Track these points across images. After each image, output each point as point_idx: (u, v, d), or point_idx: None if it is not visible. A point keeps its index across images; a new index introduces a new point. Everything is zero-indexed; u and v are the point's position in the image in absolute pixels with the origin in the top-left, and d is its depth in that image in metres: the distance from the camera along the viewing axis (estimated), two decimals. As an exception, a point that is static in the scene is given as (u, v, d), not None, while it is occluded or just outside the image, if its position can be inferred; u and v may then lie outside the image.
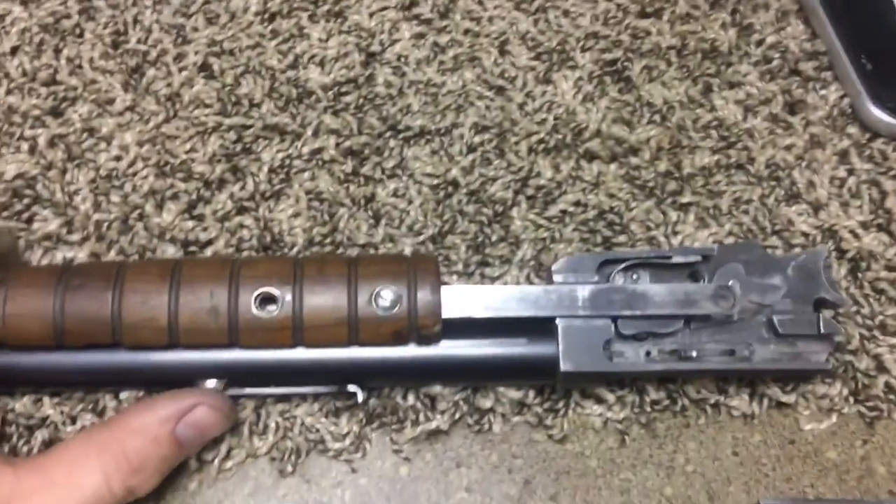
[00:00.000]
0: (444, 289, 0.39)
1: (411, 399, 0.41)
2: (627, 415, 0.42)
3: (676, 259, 0.41)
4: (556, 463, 0.41)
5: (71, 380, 0.39)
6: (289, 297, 0.38)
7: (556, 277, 0.41)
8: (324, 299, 0.38)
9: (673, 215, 0.45)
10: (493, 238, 0.44)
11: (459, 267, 0.43)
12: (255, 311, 0.38)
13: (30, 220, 0.43)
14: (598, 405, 0.42)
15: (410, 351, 0.39)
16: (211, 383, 0.38)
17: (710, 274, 0.41)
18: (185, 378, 0.38)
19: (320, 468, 0.40)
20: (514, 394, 0.41)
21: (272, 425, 0.40)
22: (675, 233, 0.45)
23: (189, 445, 0.37)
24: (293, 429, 0.40)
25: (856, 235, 0.45)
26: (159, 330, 0.37)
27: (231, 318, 0.38)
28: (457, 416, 0.41)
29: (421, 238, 0.44)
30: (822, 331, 0.41)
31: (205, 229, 0.43)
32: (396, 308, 0.38)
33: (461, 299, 0.39)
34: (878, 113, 0.48)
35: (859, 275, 0.44)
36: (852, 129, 0.48)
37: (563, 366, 0.39)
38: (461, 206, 0.45)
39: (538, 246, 0.44)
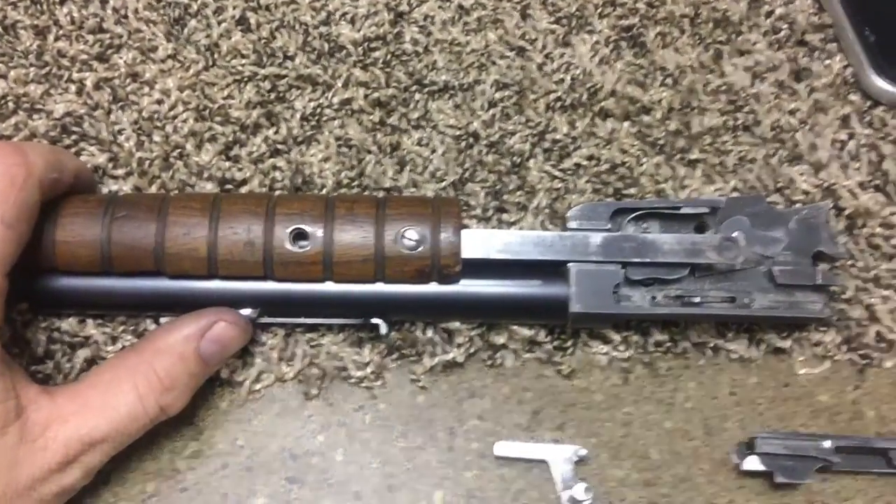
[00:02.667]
0: (464, 231, 0.40)
1: (430, 333, 0.42)
2: (631, 354, 0.43)
3: (685, 210, 0.42)
4: (564, 397, 0.42)
5: (115, 304, 0.40)
6: (320, 234, 0.39)
7: (571, 224, 0.42)
8: (352, 237, 0.39)
9: (681, 170, 0.46)
10: (511, 186, 0.45)
11: (478, 212, 0.44)
12: (288, 245, 0.39)
13: (77, 155, 0.44)
14: (604, 345, 0.43)
15: (432, 288, 0.40)
16: (246, 312, 0.40)
17: (717, 225, 0.42)
18: (221, 305, 0.39)
19: (343, 393, 0.42)
20: (526, 332, 0.42)
21: (299, 353, 0.42)
22: (683, 187, 0.46)
23: (212, 361, 0.39)
24: (319, 356, 0.42)
25: (854, 195, 0.46)
26: (199, 260, 0.38)
27: (266, 251, 0.39)
28: (472, 350, 0.42)
29: (443, 184, 0.45)
30: (820, 282, 0.42)
31: (240, 169, 0.44)
32: (420, 248, 0.39)
33: (481, 242, 0.40)
34: (879, 82, 0.48)
35: (856, 231, 0.45)
36: (854, 97, 0.49)
37: (574, 307, 0.40)
38: (481, 157, 0.46)
39: (552, 195, 0.45)
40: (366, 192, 0.44)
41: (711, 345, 0.43)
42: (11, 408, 0.34)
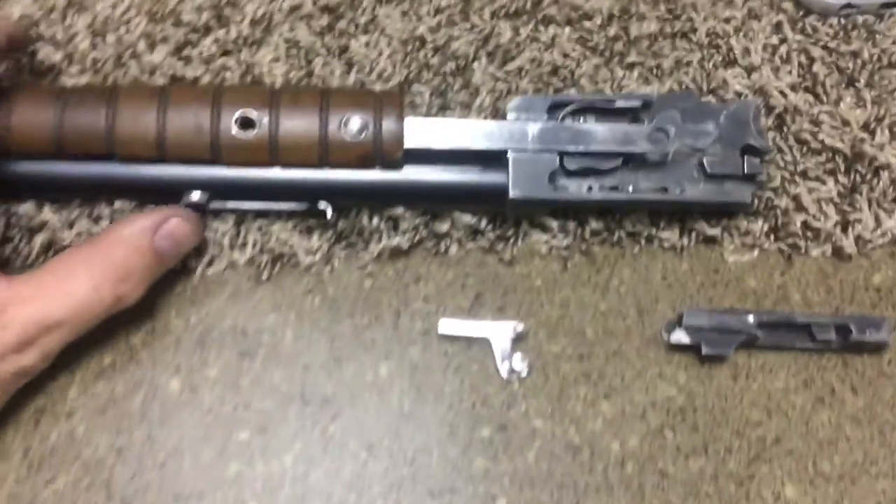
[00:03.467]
0: (407, 120, 0.42)
1: (376, 221, 0.44)
2: (569, 243, 0.45)
3: (619, 103, 0.44)
4: (505, 281, 0.44)
5: (70, 188, 0.41)
6: (266, 120, 0.40)
7: (510, 115, 0.43)
8: (298, 123, 0.41)
9: (619, 73, 0.48)
10: (455, 87, 0.47)
11: (423, 111, 0.46)
12: (235, 131, 0.40)
13: (33, 54, 0.45)
14: (543, 234, 0.45)
15: (375, 175, 0.42)
16: (196, 195, 0.41)
17: (650, 120, 0.44)
18: (172, 189, 0.41)
19: (293, 278, 0.43)
20: (469, 219, 0.44)
21: (251, 240, 0.43)
22: (621, 87, 0.47)
23: (167, 256, 0.40)
24: (269, 243, 0.43)
25: (784, 94, 0.47)
26: (149, 144, 0.40)
27: (213, 136, 0.40)
28: (416, 238, 0.44)
29: (389, 84, 0.46)
30: (747, 171, 0.43)
31: (191, 68, 0.45)
32: (363, 134, 0.41)
33: (422, 130, 0.42)
34: (811, -9, 0.50)
35: (784, 128, 0.47)
36: (787, 5, 0.50)
37: (512, 192, 0.42)
38: (427, 60, 0.47)
39: (495, 95, 0.47)
40: (313, 89, 0.46)
41: (645, 234, 0.45)
42: None
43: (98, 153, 0.40)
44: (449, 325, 0.42)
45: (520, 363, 0.42)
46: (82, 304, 0.37)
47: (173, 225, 0.40)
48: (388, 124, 0.41)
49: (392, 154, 0.41)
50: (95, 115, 0.40)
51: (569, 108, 0.44)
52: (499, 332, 0.42)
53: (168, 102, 0.40)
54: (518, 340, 0.42)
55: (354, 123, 0.41)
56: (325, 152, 0.41)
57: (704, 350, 0.41)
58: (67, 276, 0.37)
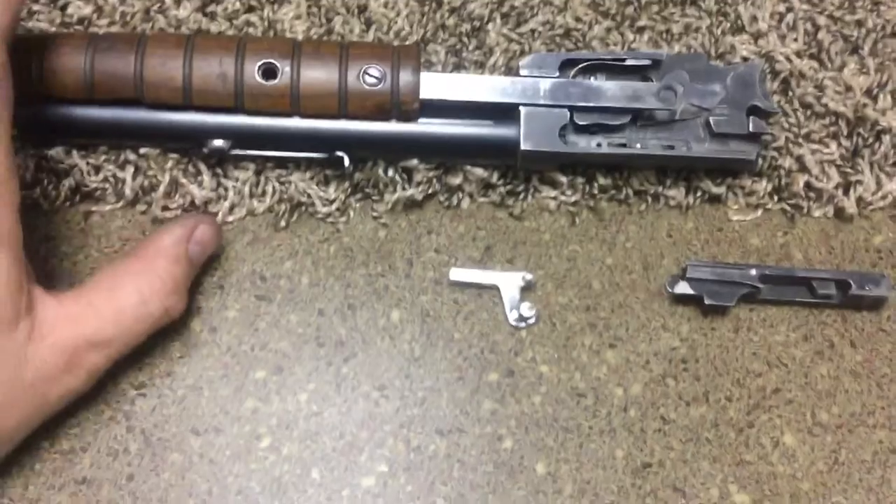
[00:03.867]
0: (423, 74, 0.43)
1: (391, 172, 0.45)
2: (578, 199, 0.46)
3: (630, 62, 0.45)
4: (514, 235, 0.45)
5: (98, 132, 0.43)
6: (287, 69, 0.42)
7: (523, 72, 0.45)
8: (318, 73, 0.42)
9: (630, 36, 0.49)
10: (470, 47, 0.48)
11: (438, 69, 0.47)
12: (258, 78, 0.42)
13: (64, 7, 0.46)
14: (553, 189, 0.46)
15: (392, 126, 0.43)
16: (218, 142, 0.42)
17: (659, 79, 0.45)
18: (196, 135, 0.42)
19: (310, 227, 0.45)
20: (481, 173, 0.45)
21: (270, 189, 0.44)
22: (631, 50, 0.48)
23: (197, 262, 0.41)
24: (288, 192, 0.44)
25: (789, 60, 0.49)
26: (175, 89, 0.41)
27: (237, 83, 0.42)
28: (430, 190, 0.45)
29: (406, 43, 0.48)
30: (752, 130, 0.45)
31: (216, 24, 0.47)
32: (381, 84, 0.42)
33: (438, 83, 0.43)
34: (819, -37, 0.51)
35: (790, 91, 0.48)
36: (795, -25, 0.52)
37: (524, 145, 0.43)
38: (443, 20, 0.48)
39: (509, 55, 0.48)
40: (333, 45, 0.47)
41: (652, 192, 0.46)
42: (24, 303, 0.34)
43: (126, 98, 0.41)
44: (459, 273, 0.44)
45: (528, 311, 0.43)
46: (132, 320, 0.37)
47: (202, 231, 0.41)
48: (405, 76, 0.42)
49: (408, 105, 0.43)
50: (125, 61, 0.41)
51: (580, 66, 0.45)
52: (508, 281, 0.43)
53: (194, 50, 0.41)
54: (526, 289, 0.44)
55: (373, 74, 0.42)
56: (343, 102, 0.42)
57: (707, 301, 0.43)
58: (115, 292, 0.37)
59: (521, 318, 0.43)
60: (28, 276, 0.35)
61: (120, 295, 0.37)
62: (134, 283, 0.37)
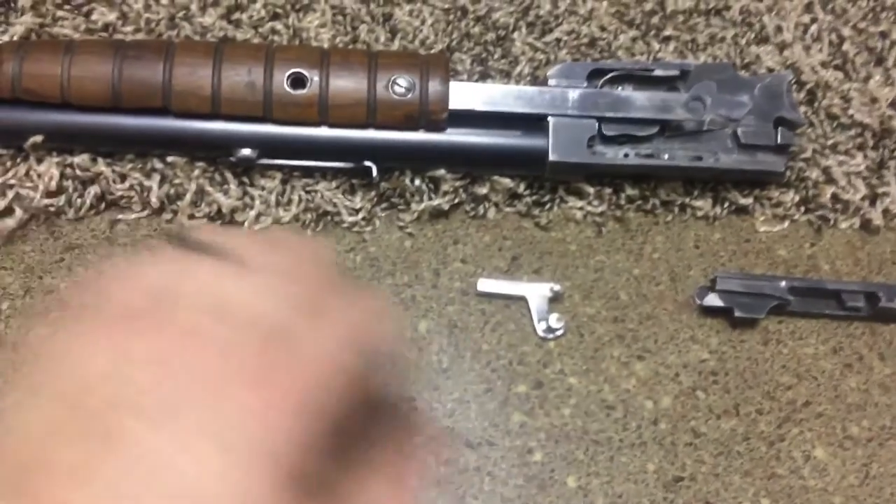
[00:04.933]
0: (452, 84, 0.42)
1: (417, 182, 0.44)
2: (604, 210, 0.45)
3: (658, 72, 0.45)
4: (541, 246, 0.45)
5: (125, 140, 0.42)
6: (316, 79, 0.41)
7: (551, 82, 0.44)
8: (347, 82, 0.41)
9: (655, 45, 0.48)
10: (496, 56, 0.47)
11: (464, 77, 0.47)
12: (286, 88, 0.41)
13: (89, 14, 0.46)
14: (579, 200, 0.45)
15: (420, 136, 0.43)
16: (246, 152, 0.42)
17: (686, 90, 0.45)
18: (224, 145, 0.42)
19: (336, 236, 0.44)
20: (507, 183, 0.45)
21: (296, 198, 0.44)
22: (657, 60, 0.48)
23: None
24: (314, 201, 0.44)
25: (815, 71, 0.48)
26: (204, 98, 0.41)
27: (266, 93, 0.41)
28: (456, 200, 0.44)
29: (431, 51, 0.47)
30: (780, 142, 0.44)
31: (241, 32, 0.46)
32: (410, 94, 0.42)
33: (467, 94, 0.43)
34: (843, -26, 0.51)
35: (815, 103, 0.48)
36: (819, -14, 0.51)
37: (552, 156, 0.43)
38: (468, 29, 0.48)
39: (534, 64, 0.47)
40: (359, 54, 0.47)
41: (679, 203, 0.46)
42: None
43: (154, 107, 0.41)
44: (487, 284, 0.43)
45: (556, 322, 0.42)
46: None
47: None
48: (433, 85, 0.42)
49: (437, 115, 0.42)
50: (152, 70, 0.40)
51: (608, 76, 0.44)
52: (536, 292, 0.43)
53: (223, 59, 0.41)
54: (554, 300, 0.43)
55: (402, 83, 0.42)
56: (372, 111, 0.42)
57: (737, 313, 0.42)
58: None
59: (550, 330, 0.42)
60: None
61: None
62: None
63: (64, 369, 0.24)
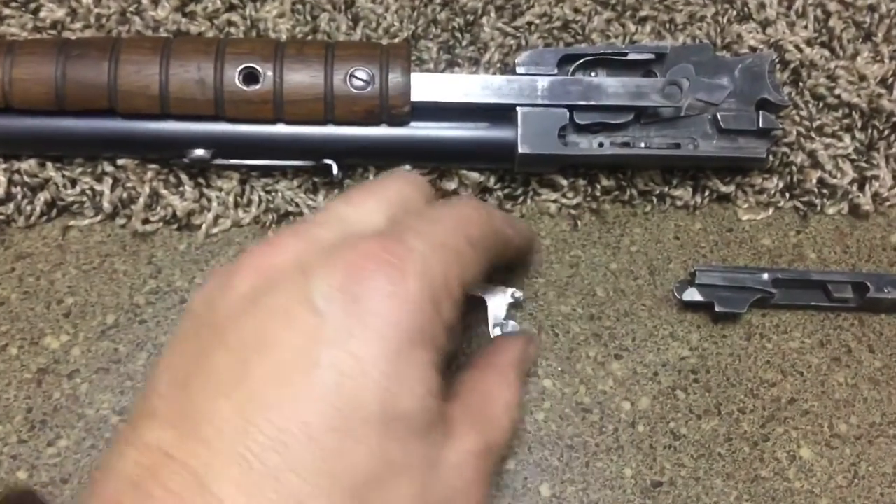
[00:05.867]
0: (413, 75, 0.40)
1: (383, 178, 0.42)
2: (580, 202, 0.43)
3: (632, 56, 0.42)
4: (514, 241, 0.43)
5: (72, 143, 0.40)
6: (270, 73, 0.39)
7: (519, 70, 0.42)
8: (302, 77, 0.39)
9: (631, 27, 0.46)
10: (464, 43, 0.45)
11: (430, 66, 0.44)
12: (238, 84, 0.39)
13: (37, 11, 0.43)
14: (553, 192, 0.43)
15: (382, 131, 0.41)
16: (199, 152, 0.40)
17: (663, 73, 0.42)
18: (176, 145, 0.40)
19: (299, 237, 0.42)
20: (476, 177, 0.42)
21: (255, 198, 0.42)
22: (633, 42, 0.46)
23: None
24: (274, 201, 0.42)
25: (799, 49, 0.46)
26: (152, 98, 0.39)
27: (217, 90, 0.39)
28: (424, 196, 0.42)
29: (396, 40, 0.45)
30: (762, 126, 0.42)
31: (196, 24, 0.44)
32: (369, 88, 0.40)
33: (430, 85, 0.41)
34: (829, -55, 0.48)
35: (800, 83, 0.45)
36: (804, -41, 0.49)
37: (521, 148, 0.41)
38: (434, 15, 0.46)
39: (504, 51, 0.45)
40: (319, 45, 0.44)
41: (657, 192, 0.44)
42: (437, 406, 0.28)
43: (100, 108, 0.39)
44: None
45: (511, 329, 0.39)
46: (505, 430, 0.33)
47: (532, 349, 0.38)
48: (394, 77, 0.40)
49: (399, 108, 0.40)
50: (97, 70, 0.38)
51: (579, 62, 0.42)
52: (495, 297, 0.40)
53: (170, 55, 0.39)
54: (515, 307, 0.40)
55: (360, 76, 0.39)
56: (330, 107, 0.40)
57: (718, 308, 0.40)
58: (489, 399, 0.33)
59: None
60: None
61: (493, 403, 0.33)
62: (500, 392, 0.34)
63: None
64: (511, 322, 0.39)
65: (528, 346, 0.37)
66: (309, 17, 0.45)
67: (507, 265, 0.40)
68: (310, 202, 0.42)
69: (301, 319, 0.26)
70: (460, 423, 0.30)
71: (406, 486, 0.27)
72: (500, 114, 0.41)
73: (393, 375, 0.26)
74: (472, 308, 0.38)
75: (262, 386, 0.25)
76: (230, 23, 0.44)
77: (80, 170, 0.41)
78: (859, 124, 0.45)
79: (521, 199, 0.43)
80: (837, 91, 0.45)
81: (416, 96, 0.40)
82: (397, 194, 0.32)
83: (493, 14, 0.46)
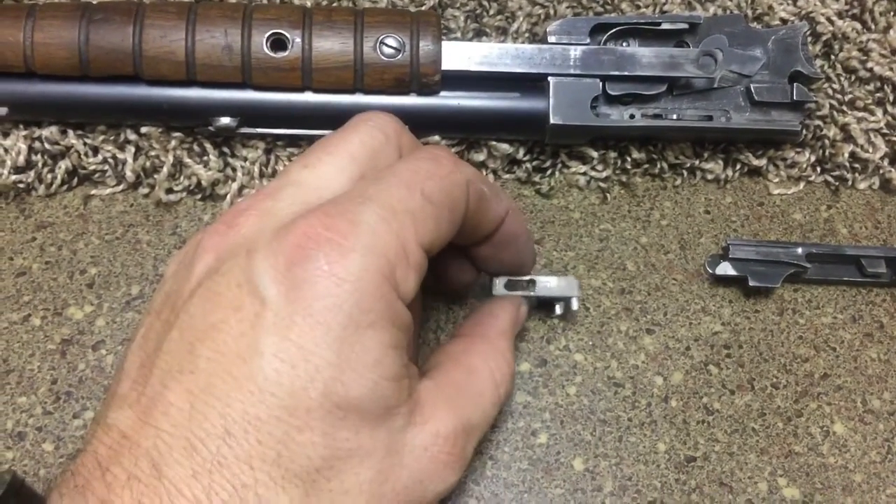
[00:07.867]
0: (444, 43, 0.39)
1: (411, 149, 0.41)
2: (609, 174, 0.42)
3: (665, 25, 0.41)
4: (543, 214, 0.42)
5: (95, 110, 0.39)
6: (298, 40, 0.38)
7: (551, 39, 0.41)
8: (331, 43, 0.38)
9: (661, -3, 0.45)
10: (491, 12, 0.44)
11: (458, 35, 0.43)
12: (266, 50, 0.38)
13: (53, -25, 0.42)
14: (582, 164, 0.42)
15: (411, 100, 0.40)
16: (225, 120, 0.39)
17: (696, 44, 0.42)
18: (201, 113, 0.39)
19: (325, 209, 0.41)
20: (506, 148, 0.42)
21: (280, 168, 0.41)
22: (663, 13, 0.45)
23: None
24: (301, 172, 0.41)
25: (831, 21, 0.45)
26: (177, 64, 0.37)
27: (244, 56, 0.38)
28: (452, 167, 0.41)
29: (423, 7, 0.44)
30: (796, 98, 0.41)
31: (219, -9, 0.43)
32: (400, 55, 0.39)
33: (460, 53, 0.40)
34: (860, -84, 0.47)
35: (832, 56, 0.44)
36: (835, -70, 0.48)
37: (553, 118, 0.40)
38: (462, -17, 0.45)
39: (532, 20, 0.44)
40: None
41: (688, 165, 0.43)
42: (406, 386, 0.28)
43: (124, 74, 0.38)
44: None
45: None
46: (490, 405, 0.32)
47: (523, 312, 0.37)
48: (425, 45, 0.39)
49: (430, 77, 0.39)
50: (121, 34, 0.37)
51: (612, 31, 0.41)
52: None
53: (196, 20, 0.38)
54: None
55: (391, 44, 0.38)
56: (359, 75, 0.38)
57: (752, 282, 0.39)
58: (472, 374, 0.32)
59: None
60: (411, 353, 0.30)
61: (478, 378, 0.32)
62: (487, 366, 0.32)
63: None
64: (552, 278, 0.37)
65: (518, 311, 0.36)
66: (334, -15, 0.44)
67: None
68: (336, 173, 0.41)
69: (244, 305, 0.25)
70: (431, 405, 0.29)
71: (363, 472, 0.26)
72: (532, 84, 0.40)
73: (336, 363, 0.25)
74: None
75: (208, 373, 0.25)
76: (254, -11, 0.43)
77: (102, 137, 0.40)
78: (891, 98, 0.44)
79: (549, 171, 0.42)
80: (870, 64, 0.44)
81: (446, 65, 0.39)
82: (361, 147, 0.30)
83: (520, -17, 0.45)
